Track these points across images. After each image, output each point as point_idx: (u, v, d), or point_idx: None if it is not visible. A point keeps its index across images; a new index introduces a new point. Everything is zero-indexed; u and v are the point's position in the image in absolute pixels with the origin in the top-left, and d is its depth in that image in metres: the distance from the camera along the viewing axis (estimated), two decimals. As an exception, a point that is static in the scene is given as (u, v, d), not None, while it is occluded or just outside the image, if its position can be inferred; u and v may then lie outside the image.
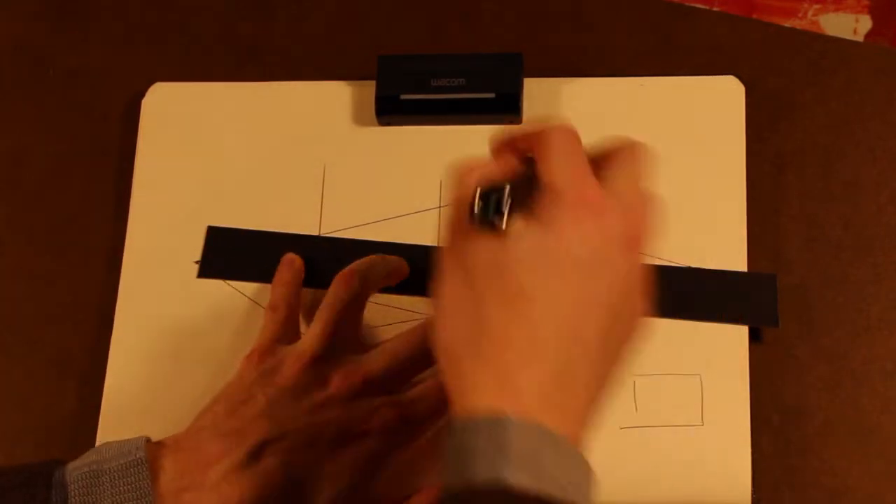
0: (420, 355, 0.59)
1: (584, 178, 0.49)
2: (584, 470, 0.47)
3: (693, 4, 0.72)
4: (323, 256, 0.66)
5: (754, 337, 0.64)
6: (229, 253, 0.68)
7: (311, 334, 0.60)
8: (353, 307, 0.61)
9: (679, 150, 0.67)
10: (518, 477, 0.44)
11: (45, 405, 0.67)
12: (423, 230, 0.67)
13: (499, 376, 0.46)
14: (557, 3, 0.72)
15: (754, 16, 0.72)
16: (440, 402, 0.59)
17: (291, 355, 0.59)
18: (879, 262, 0.66)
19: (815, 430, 0.63)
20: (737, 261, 0.65)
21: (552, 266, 0.47)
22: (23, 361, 0.68)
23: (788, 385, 0.64)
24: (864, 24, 0.72)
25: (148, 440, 0.55)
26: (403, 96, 0.68)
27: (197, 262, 0.68)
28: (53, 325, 0.69)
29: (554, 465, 0.45)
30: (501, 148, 0.53)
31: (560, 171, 0.49)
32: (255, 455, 0.56)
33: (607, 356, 0.49)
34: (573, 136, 0.50)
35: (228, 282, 0.67)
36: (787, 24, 0.72)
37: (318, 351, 0.59)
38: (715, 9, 0.72)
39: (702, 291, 0.64)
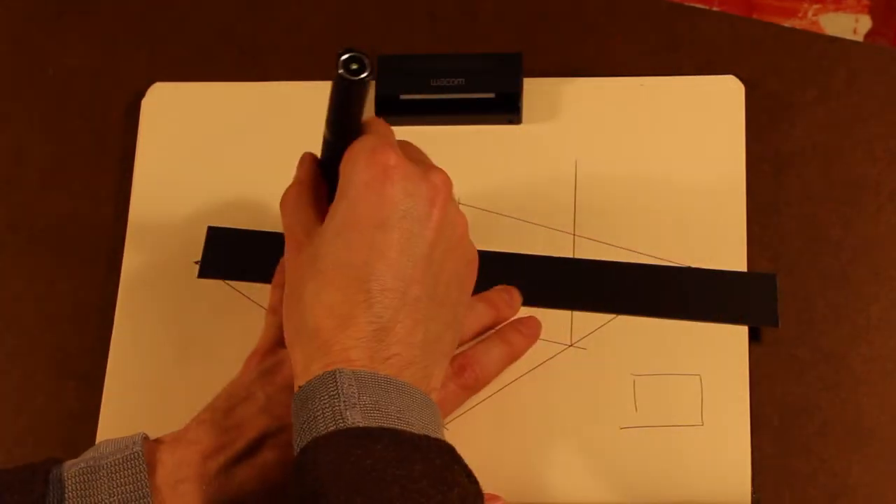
0: None
1: (384, 145, 0.53)
2: (424, 405, 0.51)
3: (693, 4, 0.72)
4: None
5: (754, 337, 0.64)
6: (229, 253, 0.68)
7: None
8: None
9: (679, 150, 0.67)
10: (357, 416, 0.48)
11: (45, 405, 0.67)
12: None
13: (324, 342, 0.51)
14: (557, 3, 0.72)
15: (754, 16, 0.73)
16: (449, 398, 0.61)
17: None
18: (879, 262, 0.65)
19: (815, 430, 0.63)
20: (737, 261, 0.65)
21: (353, 234, 0.52)
22: (23, 361, 0.68)
23: (788, 385, 0.64)
24: (864, 24, 0.73)
25: (146, 436, 0.56)
26: (403, 96, 0.68)
27: (197, 262, 0.68)
28: (53, 325, 0.69)
29: (392, 404, 0.49)
30: None
31: (362, 140, 0.54)
32: (254, 448, 0.56)
33: (436, 302, 0.53)
34: (385, 123, 0.56)
35: (228, 282, 0.67)
36: (787, 24, 0.72)
37: None
38: (715, 9, 0.72)
39: (702, 291, 0.64)
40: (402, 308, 0.52)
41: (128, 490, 0.53)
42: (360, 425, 0.48)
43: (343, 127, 0.55)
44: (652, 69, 0.70)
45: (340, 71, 0.52)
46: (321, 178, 0.57)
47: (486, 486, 0.61)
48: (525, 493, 0.61)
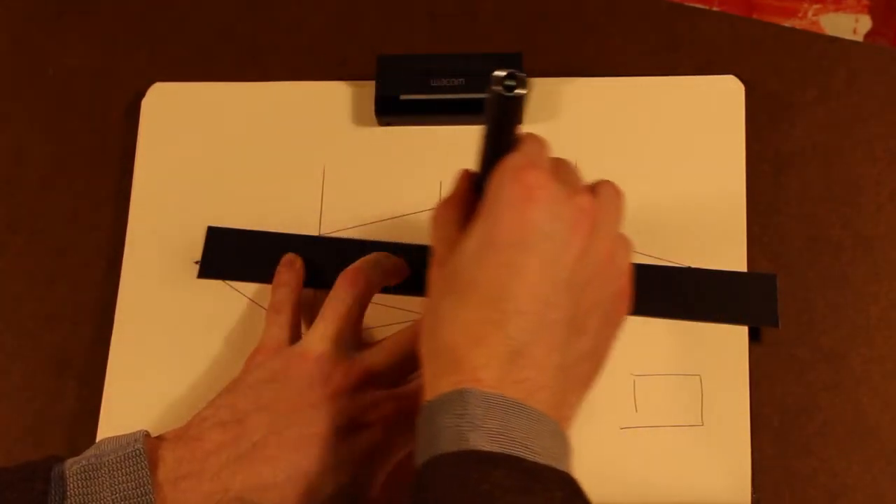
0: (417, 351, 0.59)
1: (532, 163, 0.52)
2: (554, 434, 0.49)
3: (693, 4, 0.72)
4: (323, 256, 0.66)
5: (754, 337, 0.64)
6: (229, 253, 0.68)
7: (315, 334, 0.60)
8: (356, 306, 0.61)
9: (679, 150, 0.67)
10: (481, 440, 0.47)
11: (45, 405, 0.67)
12: (423, 230, 0.67)
13: (455, 359, 0.49)
14: (557, 3, 0.72)
15: (754, 16, 0.72)
16: None
17: (295, 355, 0.59)
18: (879, 262, 0.66)
19: (815, 430, 0.63)
20: (737, 261, 0.65)
21: (492, 253, 0.50)
22: (23, 361, 0.68)
23: (788, 385, 0.64)
24: (864, 24, 0.73)
25: (147, 434, 0.56)
26: (403, 96, 0.68)
27: (197, 262, 0.68)
28: (53, 325, 0.69)
29: (518, 430, 0.48)
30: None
31: (512, 156, 0.52)
32: (258, 446, 0.56)
33: (574, 329, 0.51)
34: (541, 139, 0.55)
35: (228, 282, 0.67)
36: (787, 24, 0.72)
37: (323, 350, 0.59)
38: (715, 9, 0.72)
39: (702, 291, 0.64)
40: (538, 331, 0.50)
41: (129, 487, 0.53)
42: (483, 449, 0.47)
43: (496, 143, 0.54)
44: (652, 69, 0.70)
45: (496, 87, 0.51)
46: (473, 195, 0.55)
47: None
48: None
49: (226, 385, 0.59)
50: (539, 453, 0.48)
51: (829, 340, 0.64)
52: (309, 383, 0.58)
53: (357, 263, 0.63)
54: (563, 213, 0.51)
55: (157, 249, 0.68)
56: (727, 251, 0.65)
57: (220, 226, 0.68)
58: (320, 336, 0.60)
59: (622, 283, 0.54)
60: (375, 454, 0.58)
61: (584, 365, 0.53)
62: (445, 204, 0.56)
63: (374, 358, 0.60)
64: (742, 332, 0.64)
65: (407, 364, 0.60)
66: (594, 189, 0.54)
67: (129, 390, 0.66)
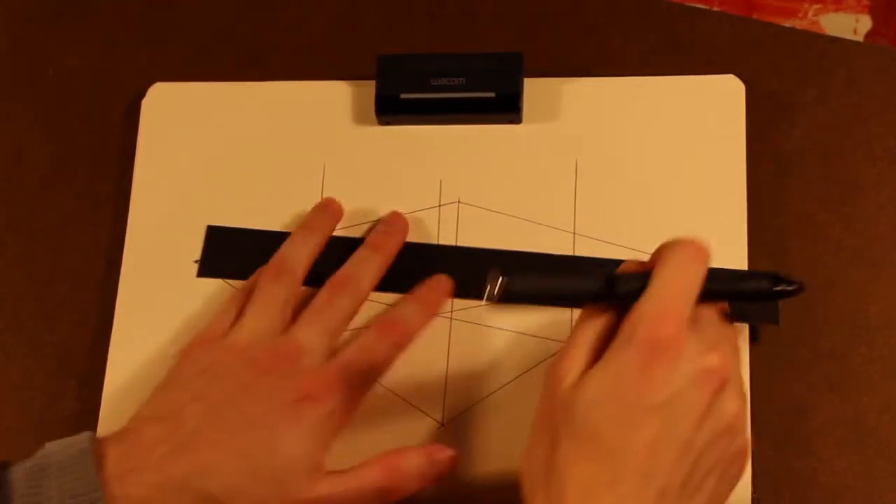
0: None
1: (667, 313, 0.51)
2: None
3: (693, 4, 0.72)
4: (321, 256, 0.66)
5: (753, 338, 0.64)
6: (229, 252, 0.68)
7: (245, 325, 0.61)
8: (285, 296, 0.62)
9: (679, 150, 0.67)
10: None
11: (45, 405, 0.67)
12: (423, 229, 0.67)
13: None
14: (557, 3, 0.72)
15: (754, 16, 0.72)
16: (381, 357, 0.61)
17: (224, 347, 0.60)
18: (879, 262, 0.65)
19: (815, 430, 0.63)
20: (737, 261, 0.65)
21: (620, 409, 0.50)
22: (23, 361, 0.68)
23: (788, 385, 0.64)
24: (864, 24, 0.72)
25: (92, 434, 0.56)
26: (403, 96, 0.68)
27: (197, 262, 0.68)
28: (53, 325, 0.69)
29: None
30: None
31: (648, 299, 0.52)
32: (197, 432, 0.56)
33: (689, 489, 0.51)
34: (693, 256, 0.54)
35: (228, 281, 0.67)
36: (787, 24, 0.72)
37: (251, 339, 0.60)
38: (715, 9, 0.72)
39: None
40: (649, 494, 0.49)
41: (78, 486, 0.53)
42: None
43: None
44: (652, 69, 0.70)
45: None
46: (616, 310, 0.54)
47: (489, 484, 0.61)
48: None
49: (161, 380, 0.60)
50: None
51: (829, 340, 0.64)
52: (240, 370, 0.59)
53: (346, 270, 0.64)
54: (691, 372, 0.50)
55: (157, 249, 0.68)
56: (727, 251, 0.65)
57: (219, 225, 0.68)
58: (251, 329, 0.60)
59: (743, 442, 0.54)
60: (324, 423, 0.58)
61: None
62: (591, 314, 0.54)
63: (304, 332, 0.60)
64: (742, 332, 0.63)
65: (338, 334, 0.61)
66: (731, 343, 0.55)
67: (129, 390, 0.66)
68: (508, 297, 0.54)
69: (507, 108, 0.68)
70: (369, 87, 0.69)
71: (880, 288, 0.65)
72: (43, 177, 0.72)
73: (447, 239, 0.67)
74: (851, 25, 0.72)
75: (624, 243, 0.65)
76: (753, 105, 0.68)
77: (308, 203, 0.68)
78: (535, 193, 0.67)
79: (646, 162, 0.67)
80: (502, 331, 0.65)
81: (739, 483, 0.60)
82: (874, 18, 0.72)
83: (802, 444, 0.63)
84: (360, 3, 0.74)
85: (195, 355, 0.61)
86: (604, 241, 0.66)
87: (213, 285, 0.67)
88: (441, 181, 0.68)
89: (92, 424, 0.65)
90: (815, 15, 0.73)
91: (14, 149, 0.73)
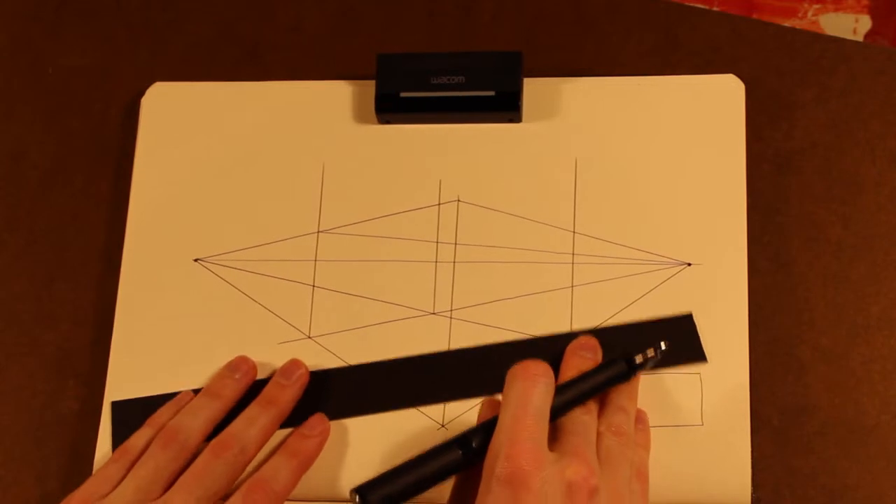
0: None
1: (517, 444, 0.52)
2: None
3: (693, 4, 0.72)
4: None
5: (751, 337, 0.64)
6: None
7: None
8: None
9: (679, 150, 0.67)
10: None
11: (45, 405, 0.67)
12: (422, 227, 0.67)
13: None
14: (557, 2, 0.72)
15: (754, 16, 0.72)
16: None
17: None
18: (879, 262, 0.66)
19: (815, 430, 0.63)
20: (737, 261, 0.65)
21: None
22: (23, 361, 0.68)
23: (788, 385, 0.64)
24: (864, 24, 0.73)
25: None
26: (403, 94, 0.68)
27: (197, 261, 0.68)
28: (53, 325, 0.69)
29: None
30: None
31: (498, 436, 0.53)
32: None
33: None
34: (531, 380, 0.55)
35: (228, 281, 0.67)
36: (787, 24, 0.72)
37: None
38: (715, 9, 0.72)
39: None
40: None
41: None
42: None
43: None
44: (652, 69, 0.70)
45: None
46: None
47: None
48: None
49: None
50: None
51: (829, 340, 0.64)
52: None
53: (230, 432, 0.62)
54: (558, 492, 0.52)
55: (156, 249, 0.68)
56: (727, 251, 0.65)
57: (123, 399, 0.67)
58: (126, 499, 0.59)
59: None
60: None
61: None
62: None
63: (179, 499, 0.59)
64: (742, 332, 0.63)
65: None
66: (600, 438, 0.56)
67: (129, 390, 0.66)
68: None
69: (506, 107, 0.68)
70: (369, 87, 0.69)
71: (880, 288, 0.65)
72: (43, 177, 0.72)
73: (447, 238, 0.67)
74: (851, 25, 0.73)
75: (623, 242, 0.66)
76: (753, 105, 0.68)
77: (308, 203, 0.68)
78: (535, 192, 0.67)
79: (645, 161, 0.67)
80: (502, 331, 0.65)
81: (739, 483, 0.61)
82: (874, 18, 0.72)
83: (802, 444, 0.63)
84: (360, 3, 0.74)
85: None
86: (603, 240, 0.66)
87: (214, 283, 0.67)
88: (441, 180, 0.68)
89: (92, 424, 0.65)
90: (815, 15, 0.73)
91: (14, 149, 0.73)
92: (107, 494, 0.59)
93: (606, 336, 0.63)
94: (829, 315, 0.65)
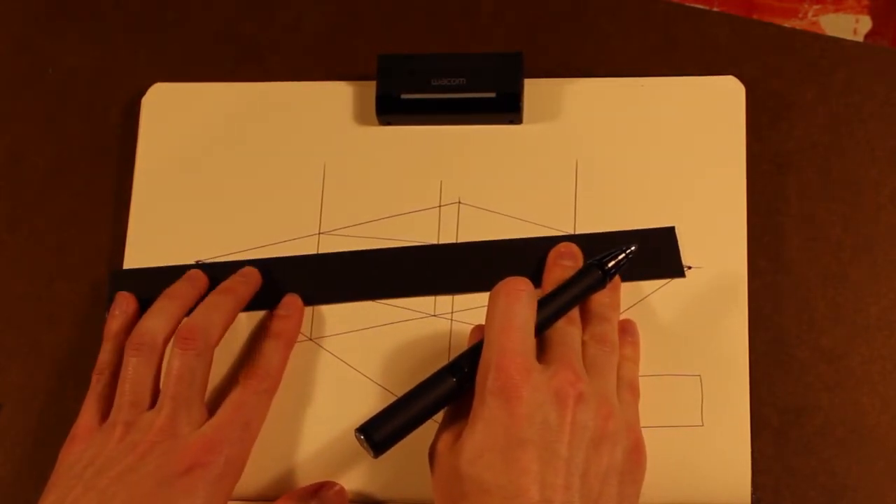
0: None
1: (505, 357, 0.55)
2: None
3: (693, 4, 0.72)
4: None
5: (751, 337, 0.64)
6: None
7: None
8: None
9: (679, 151, 0.67)
10: None
11: (45, 405, 0.67)
12: (423, 228, 0.67)
13: None
14: (557, 3, 0.72)
15: (754, 16, 0.72)
16: (252, 407, 0.62)
17: (98, 442, 0.60)
18: (879, 262, 0.66)
19: (815, 430, 0.63)
20: (737, 261, 0.65)
21: (497, 455, 0.53)
22: (23, 361, 0.68)
23: (788, 385, 0.64)
24: (864, 24, 0.73)
25: None
26: (404, 95, 0.68)
27: (197, 262, 0.68)
28: (53, 325, 0.69)
29: None
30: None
31: (486, 351, 0.56)
32: None
33: (588, 499, 0.53)
34: (512, 296, 0.57)
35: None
36: (787, 24, 0.72)
37: (121, 430, 0.60)
38: (715, 9, 0.72)
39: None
40: None
41: None
42: None
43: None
44: (652, 69, 0.70)
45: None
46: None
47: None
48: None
49: (51, 479, 0.59)
50: None
51: (829, 340, 0.64)
52: (123, 457, 0.58)
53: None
54: (547, 398, 0.54)
55: (157, 249, 0.68)
56: (727, 251, 0.65)
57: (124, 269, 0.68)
58: (123, 417, 0.60)
59: (632, 439, 0.57)
60: (215, 485, 0.58)
61: None
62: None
63: (169, 406, 0.60)
64: (742, 331, 0.64)
65: None
66: (585, 348, 0.58)
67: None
68: (382, 444, 0.56)
69: (507, 108, 0.68)
70: (369, 87, 0.69)
71: (880, 288, 0.65)
72: (43, 177, 0.72)
73: (447, 239, 0.67)
74: (851, 26, 0.73)
75: (624, 243, 0.66)
76: (753, 105, 0.68)
77: (309, 204, 0.68)
78: (536, 194, 0.67)
79: (646, 162, 0.67)
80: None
81: (739, 483, 0.61)
82: (874, 18, 0.72)
83: (802, 444, 0.63)
84: (360, 3, 0.74)
85: (77, 451, 0.60)
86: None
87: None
88: (441, 181, 0.68)
89: (92, 424, 0.65)
90: (815, 15, 0.73)
91: (14, 149, 0.73)
92: (101, 423, 0.61)
93: (588, 242, 0.65)
94: (829, 315, 0.65)
